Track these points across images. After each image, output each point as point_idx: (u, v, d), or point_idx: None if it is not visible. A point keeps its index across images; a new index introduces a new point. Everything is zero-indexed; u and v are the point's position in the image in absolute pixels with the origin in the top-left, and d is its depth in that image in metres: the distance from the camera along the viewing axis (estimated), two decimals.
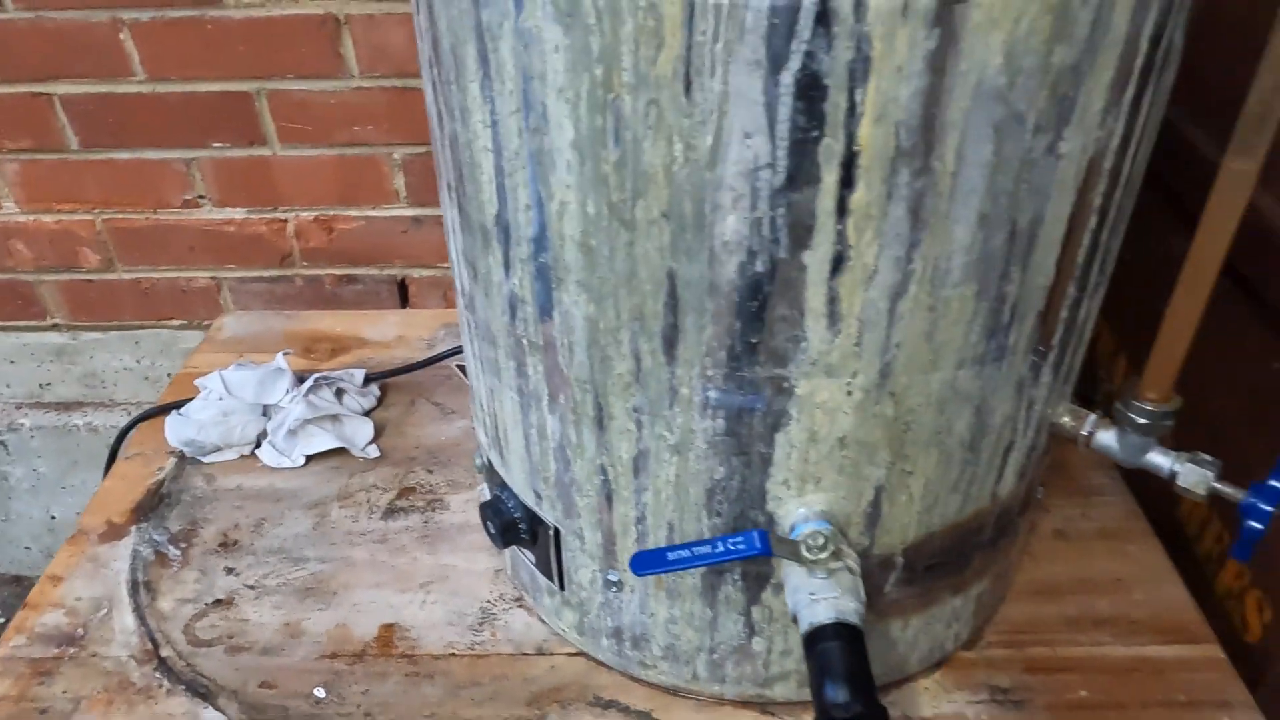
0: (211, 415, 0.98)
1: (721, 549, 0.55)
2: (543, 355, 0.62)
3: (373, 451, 1.00)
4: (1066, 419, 0.68)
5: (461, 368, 1.05)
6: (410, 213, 1.23)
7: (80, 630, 0.82)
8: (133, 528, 0.92)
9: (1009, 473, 0.67)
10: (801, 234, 0.50)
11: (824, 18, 0.44)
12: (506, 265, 0.60)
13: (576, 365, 0.60)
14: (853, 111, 0.46)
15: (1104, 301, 0.67)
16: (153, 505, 0.95)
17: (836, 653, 0.53)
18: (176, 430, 0.99)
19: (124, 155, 1.19)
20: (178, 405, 1.04)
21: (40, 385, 1.42)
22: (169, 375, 1.39)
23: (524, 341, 0.63)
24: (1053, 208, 0.52)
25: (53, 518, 1.51)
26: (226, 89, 1.13)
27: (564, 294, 0.58)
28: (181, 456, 1.00)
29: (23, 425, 1.41)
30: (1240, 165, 0.54)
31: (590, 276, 0.56)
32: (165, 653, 0.80)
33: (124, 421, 1.38)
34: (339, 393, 1.03)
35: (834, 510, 0.61)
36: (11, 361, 1.39)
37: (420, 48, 0.61)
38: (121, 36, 1.09)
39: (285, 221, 1.24)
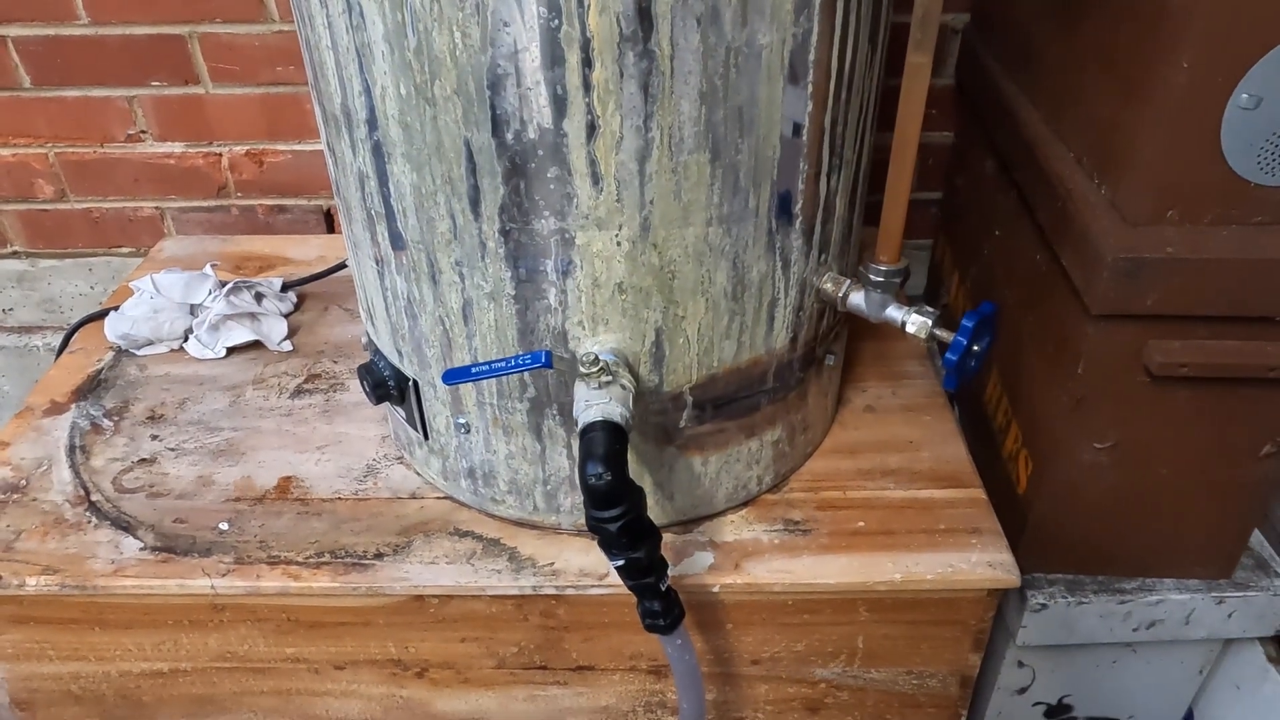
0: (143, 312, 1.11)
1: (514, 363, 0.70)
2: (386, 223, 0.76)
3: (286, 346, 1.14)
4: (829, 285, 0.82)
5: None
6: None
7: (23, 481, 0.96)
8: (73, 405, 1.06)
9: (779, 327, 0.81)
10: (559, 106, 0.64)
11: None
12: (353, 147, 0.74)
13: (410, 228, 0.75)
14: (582, 4, 0.60)
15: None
16: (91, 388, 1.09)
17: (598, 440, 0.68)
18: (114, 326, 1.13)
19: (72, 93, 1.32)
20: (114, 310, 1.18)
21: (3, 310, 1.55)
22: None
23: (372, 212, 0.77)
24: (764, 90, 0.67)
25: None
26: (162, 32, 1.26)
27: (394, 166, 0.72)
28: (119, 350, 1.14)
29: None
30: (918, 59, 0.68)
31: (410, 149, 0.70)
32: (95, 497, 0.94)
33: None
34: (258, 296, 1.17)
35: (623, 349, 0.76)
36: None
37: None
38: None
39: (220, 155, 1.37)
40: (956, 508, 0.92)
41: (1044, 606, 0.99)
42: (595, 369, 0.71)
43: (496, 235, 0.71)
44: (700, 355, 0.79)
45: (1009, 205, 1.05)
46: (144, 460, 0.99)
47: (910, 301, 0.81)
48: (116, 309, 1.17)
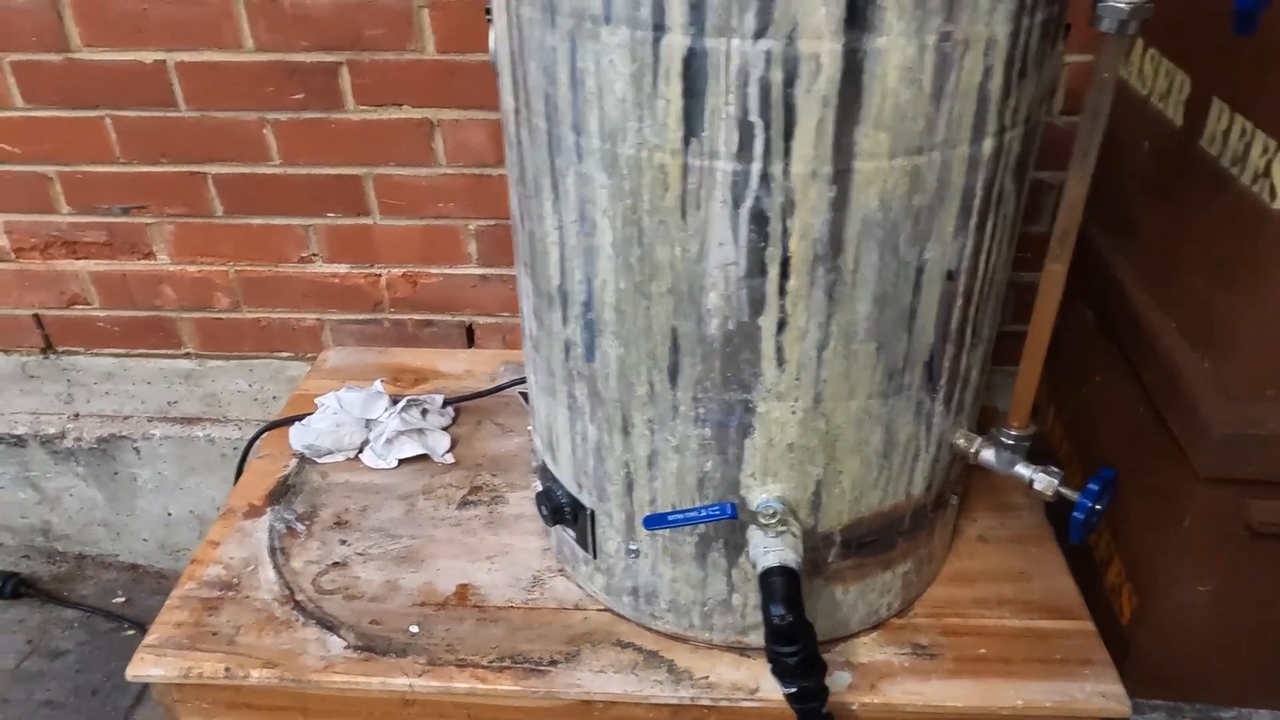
0: (327, 425, 1.26)
1: (705, 513, 0.82)
2: (586, 382, 0.90)
3: (449, 459, 1.28)
4: (961, 441, 0.94)
5: (523, 394, 1.33)
6: (479, 271, 1.52)
7: (235, 579, 1.10)
8: (268, 509, 1.21)
9: (918, 477, 0.93)
10: (757, 306, 0.78)
11: (765, 178, 0.72)
12: (564, 320, 0.89)
13: (610, 389, 0.88)
14: (786, 232, 0.74)
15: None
16: (282, 493, 1.23)
17: (779, 585, 0.79)
18: (299, 436, 1.28)
19: (257, 220, 1.50)
20: (296, 419, 1.33)
21: (169, 403, 1.72)
22: (274, 398, 1.69)
23: (574, 372, 0.91)
24: (925, 294, 0.80)
25: (169, 514, 1.81)
26: (342, 172, 1.44)
27: (603, 340, 0.86)
28: (302, 458, 1.29)
29: (154, 435, 1.71)
30: (1055, 267, 0.81)
31: (621, 329, 0.84)
32: (299, 597, 1.08)
33: (236, 435, 1.69)
34: (424, 412, 1.31)
35: (787, 496, 0.88)
36: (148, 382, 1.70)
37: (510, 172, 0.90)
38: (265, 131, 1.41)
39: (379, 276, 1.54)
40: (1069, 639, 1.01)
41: None
42: (773, 519, 0.83)
43: (689, 401, 0.84)
44: (851, 502, 0.90)
45: (1109, 357, 1.16)
46: (337, 564, 1.12)
47: (1033, 459, 0.93)
48: (299, 419, 1.32)
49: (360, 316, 1.58)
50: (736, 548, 0.92)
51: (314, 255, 1.53)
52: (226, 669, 0.99)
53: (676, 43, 0.68)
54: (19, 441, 1.74)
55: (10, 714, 1.58)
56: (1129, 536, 1.10)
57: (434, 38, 1.32)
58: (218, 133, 1.41)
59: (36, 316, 1.63)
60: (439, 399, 1.35)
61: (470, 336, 1.59)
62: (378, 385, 1.34)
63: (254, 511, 1.21)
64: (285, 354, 1.64)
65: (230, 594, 1.08)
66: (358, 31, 1.32)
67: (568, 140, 0.78)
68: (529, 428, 1.17)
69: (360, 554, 1.14)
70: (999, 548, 1.13)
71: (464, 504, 1.21)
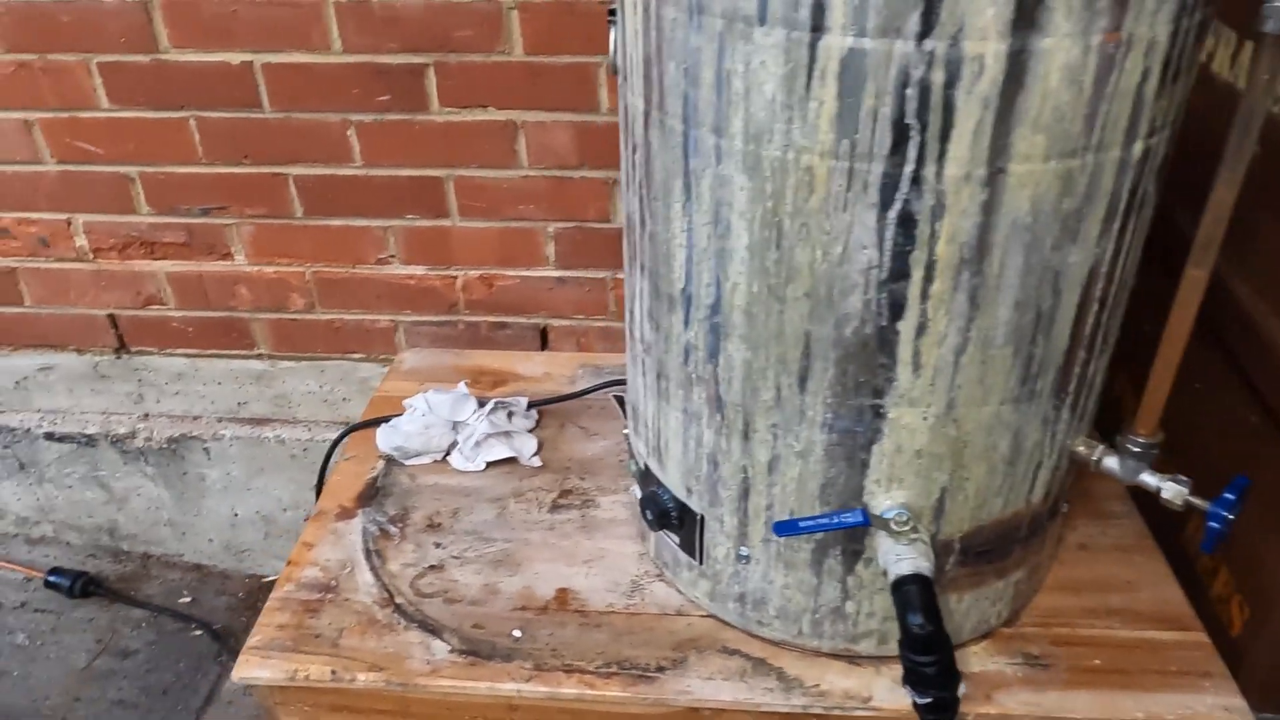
0: (416, 428, 1.26)
1: (837, 520, 0.81)
2: (705, 386, 0.89)
3: (536, 461, 1.27)
4: (1082, 448, 0.92)
5: (618, 399, 1.33)
6: (556, 274, 1.52)
7: (333, 581, 1.10)
8: (359, 511, 1.20)
9: (1039, 485, 0.92)
10: (897, 310, 0.77)
11: (917, 180, 0.71)
12: (686, 323, 0.88)
13: (733, 393, 0.87)
14: (933, 235, 0.73)
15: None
16: (372, 495, 1.23)
17: (915, 593, 0.78)
18: (387, 438, 1.27)
19: (336, 222, 1.50)
20: (380, 420, 1.33)
21: (238, 403, 1.72)
22: (345, 399, 1.69)
23: (692, 376, 0.90)
24: (1065, 298, 0.78)
25: (235, 515, 1.81)
26: (423, 174, 1.44)
27: (728, 344, 0.85)
28: (389, 459, 1.28)
29: (224, 435, 1.72)
30: (1197, 273, 0.79)
31: (749, 332, 0.83)
32: (399, 600, 1.07)
33: (306, 436, 1.69)
34: (509, 414, 1.31)
35: (911, 503, 0.87)
36: (219, 383, 1.70)
37: (632, 173, 0.89)
38: (348, 133, 1.41)
39: (455, 278, 1.54)
40: (1183, 650, 1.00)
41: None
42: (906, 526, 0.82)
43: (818, 406, 0.83)
44: (974, 509, 0.89)
45: (1213, 363, 1.14)
46: (433, 567, 1.12)
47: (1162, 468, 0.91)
48: (383, 420, 1.31)
49: (435, 318, 1.58)
50: (854, 554, 0.91)
51: (391, 257, 1.53)
52: (333, 672, 0.99)
53: (835, 44, 0.67)
54: (90, 441, 1.75)
55: (84, 712, 1.58)
56: (1239, 546, 1.09)
57: (522, 40, 1.32)
58: (301, 134, 1.42)
59: (111, 316, 1.64)
60: (523, 402, 1.34)
61: (544, 339, 1.59)
62: (463, 388, 1.33)
63: (345, 513, 1.20)
64: (357, 355, 1.64)
65: (329, 596, 1.08)
66: (447, 33, 1.31)
67: (707, 142, 0.77)
68: (624, 431, 1.16)
69: (456, 557, 1.13)
70: (1101, 556, 1.12)
71: (555, 507, 1.21)
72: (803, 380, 0.83)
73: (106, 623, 1.75)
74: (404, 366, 1.51)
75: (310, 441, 1.70)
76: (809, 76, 0.69)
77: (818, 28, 0.67)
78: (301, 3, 1.31)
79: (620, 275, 1.50)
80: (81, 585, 1.77)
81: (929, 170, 0.70)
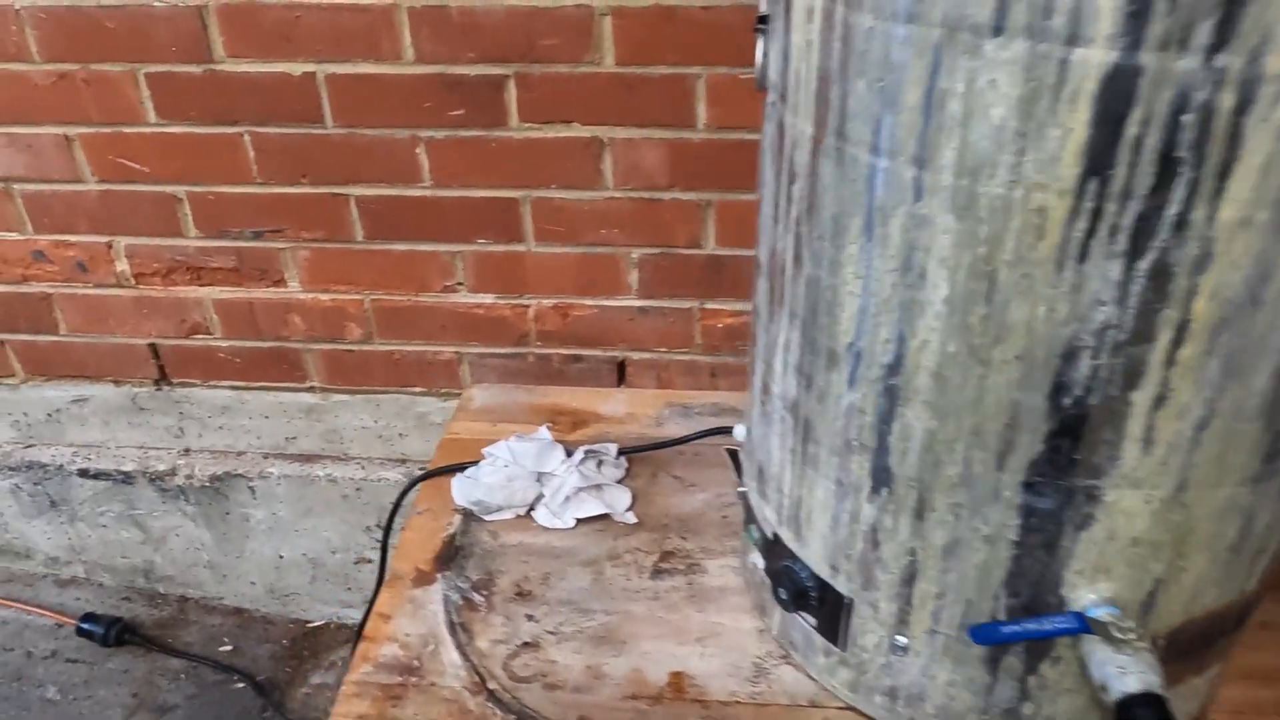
0: (498, 480, 1.13)
1: (1049, 626, 0.68)
2: (871, 455, 0.76)
3: (630, 518, 1.14)
4: None
5: (731, 452, 1.20)
6: (638, 304, 1.39)
7: (415, 662, 0.97)
8: (439, 575, 1.08)
9: (1257, 571, 0.78)
10: (1133, 378, 0.64)
11: (1181, 225, 0.58)
12: (851, 382, 0.75)
13: (907, 466, 0.74)
14: (1192, 291, 0.60)
15: None
16: (451, 556, 1.10)
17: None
18: (464, 491, 1.15)
19: (399, 247, 1.38)
20: (454, 468, 1.20)
21: (286, 439, 1.60)
22: (401, 434, 1.57)
23: (853, 443, 0.77)
24: None
25: (280, 557, 1.69)
26: (497, 195, 1.32)
27: (907, 410, 0.72)
28: (467, 514, 1.16)
29: (271, 473, 1.59)
30: None
31: (938, 399, 0.70)
32: (492, 685, 0.94)
33: (359, 475, 1.57)
34: (599, 463, 1.18)
35: (1118, 597, 0.74)
36: (266, 417, 1.58)
37: (789, 207, 0.76)
38: (417, 150, 1.29)
39: (528, 307, 1.41)
40: None
41: None
42: (1131, 634, 0.68)
43: (1015, 486, 0.70)
44: (1186, 603, 0.76)
45: None
46: (527, 644, 0.99)
47: None
48: (460, 468, 1.19)
49: (503, 350, 1.46)
50: (1039, 652, 0.78)
51: (458, 284, 1.40)
52: None
53: (1095, 59, 0.54)
54: (126, 478, 1.63)
55: None
56: None
57: (614, 49, 1.19)
58: (365, 152, 1.29)
59: (153, 346, 1.52)
60: (613, 449, 1.21)
61: (621, 373, 1.46)
62: (547, 433, 1.21)
63: (423, 578, 1.08)
64: (416, 389, 1.52)
65: (413, 679, 0.95)
66: (531, 41, 1.19)
67: (903, 176, 0.64)
68: (739, 490, 1.03)
69: (552, 632, 1.00)
70: None
71: (657, 573, 1.08)
72: (1001, 456, 0.70)
73: (143, 674, 1.63)
74: (473, 404, 1.39)
75: (364, 480, 1.57)
76: (1055, 99, 0.56)
77: (1074, 39, 0.54)
78: (372, 9, 1.19)
79: (710, 305, 1.37)
80: (116, 633, 1.65)
81: (1198, 213, 0.57)
